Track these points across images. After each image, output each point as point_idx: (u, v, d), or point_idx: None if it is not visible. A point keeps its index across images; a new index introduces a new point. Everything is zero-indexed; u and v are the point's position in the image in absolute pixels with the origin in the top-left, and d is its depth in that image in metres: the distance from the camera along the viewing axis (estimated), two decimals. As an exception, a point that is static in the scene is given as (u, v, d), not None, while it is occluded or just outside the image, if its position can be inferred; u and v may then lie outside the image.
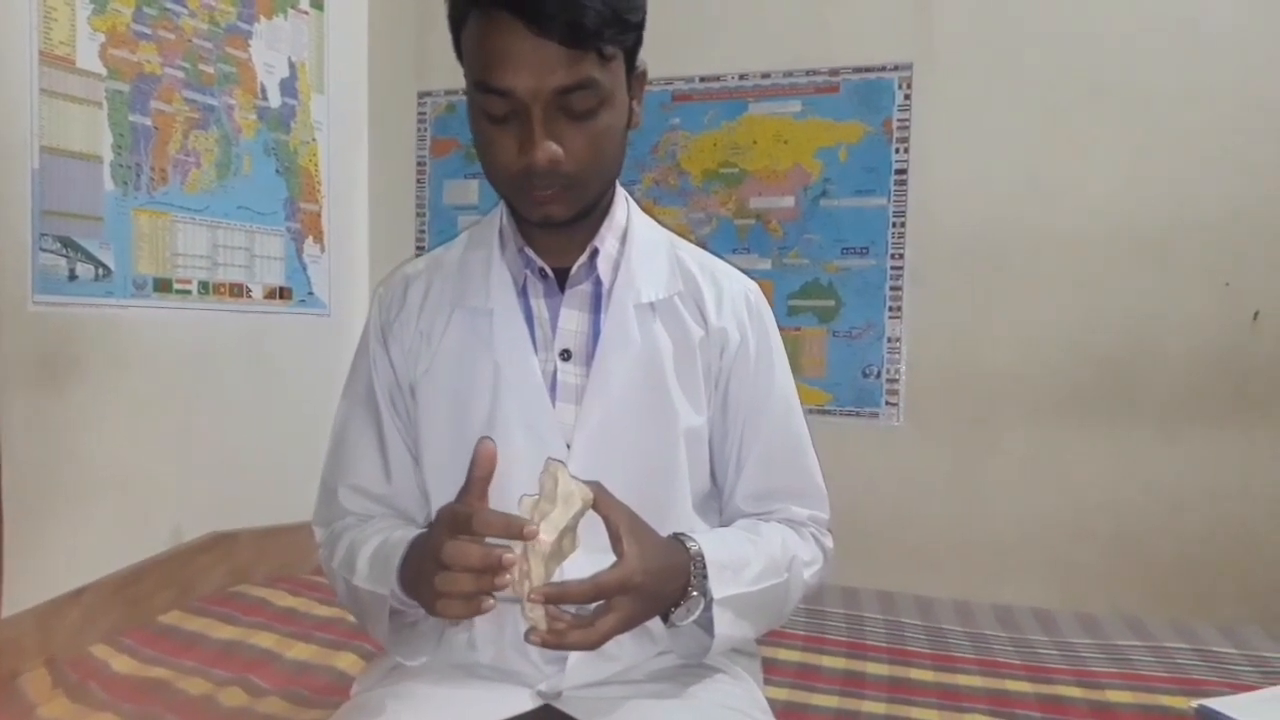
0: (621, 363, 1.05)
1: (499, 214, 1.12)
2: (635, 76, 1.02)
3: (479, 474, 0.90)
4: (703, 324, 1.10)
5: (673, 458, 1.08)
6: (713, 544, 1.01)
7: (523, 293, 1.08)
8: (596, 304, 1.08)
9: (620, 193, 1.12)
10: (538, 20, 0.89)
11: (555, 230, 1.03)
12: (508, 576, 0.85)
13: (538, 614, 0.87)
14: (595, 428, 1.04)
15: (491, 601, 0.86)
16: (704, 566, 0.98)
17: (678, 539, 1.00)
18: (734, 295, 1.14)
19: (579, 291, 1.08)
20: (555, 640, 0.88)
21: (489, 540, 0.88)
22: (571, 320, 1.07)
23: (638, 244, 1.10)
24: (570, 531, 0.89)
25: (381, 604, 1.00)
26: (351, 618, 1.16)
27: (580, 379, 1.06)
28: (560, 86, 0.92)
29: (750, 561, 1.04)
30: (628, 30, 0.96)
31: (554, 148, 0.94)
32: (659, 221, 1.18)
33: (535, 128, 0.93)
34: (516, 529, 0.85)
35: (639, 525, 0.95)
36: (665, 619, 0.99)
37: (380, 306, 1.15)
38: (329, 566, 1.13)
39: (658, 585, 0.95)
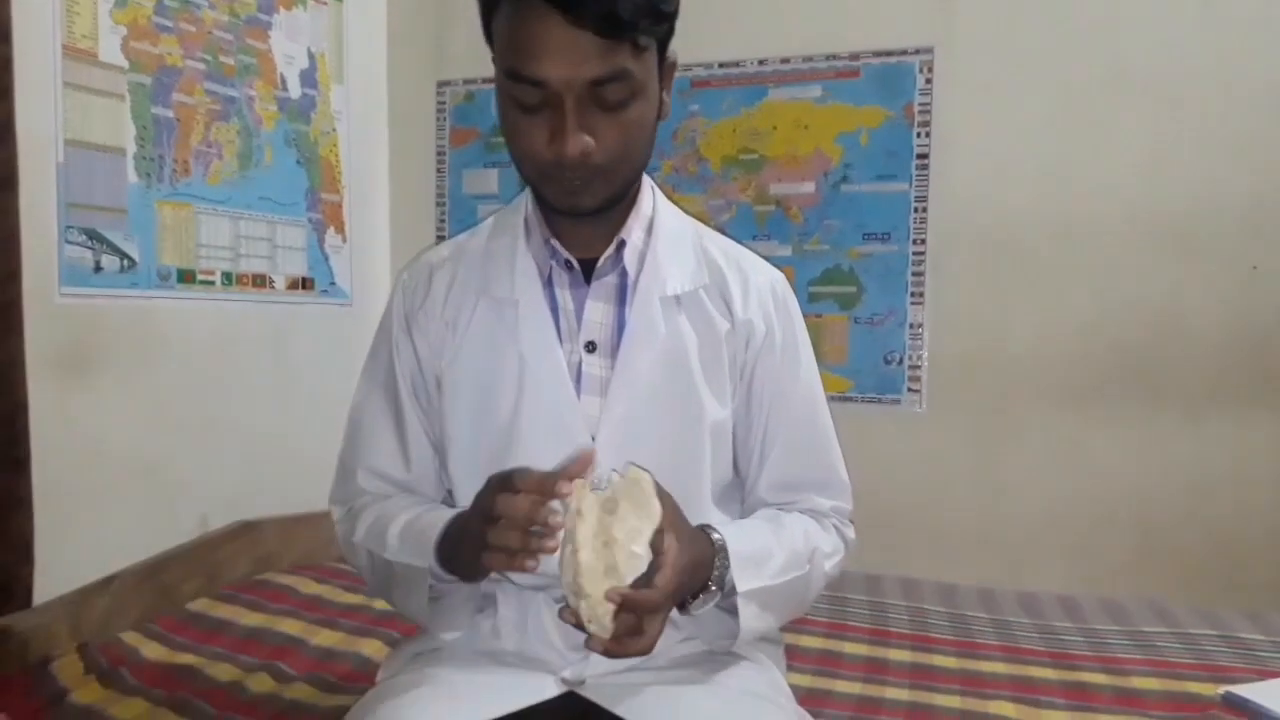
0: (646, 356, 1.05)
1: (524, 201, 1.12)
2: (666, 67, 1.02)
3: (572, 470, 0.90)
4: (729, 317, 1.10)
5: (697, 451, 1.08)
6: (736, 536, 1.02)
7: (548, 283, 1.08)
8: (622, 296, 1.08)
9: (646, 181, 1.12)
10: (573, 9, 0.88)
11: (582, 220, 1.03)
12: (550, 543, 0.86)
13: (596, 623, 0.87)
14: (620, 421, 1.04)
15: (534, 562, 0.87)
16: (727, 559, 0.99)
17: (703, 530, 1.00)
18: (760, 287, 1.13)
19: (605, 283, 1.08)
20: (619, 649, 0.89)
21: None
22: (597, 312, 1.07)
23: (664, 235, 1.10)
24: (625, 548, 0.88)
25: (420, 578, 1.02)
26: (380, 597, 1.17)
27: (605, 371, 1.06)
28: (594, 77, 0.91)
29: (773, 554, 1.04)
30: (662, 20, 0.95)
31: (586, 139, 0.94)
32: (681, 209, 1.18)
33: (568, 118, 0.92)
34: (550, 485, 0.87)
35: (679, 518, 0.95)
36: (682, 607, 0.99)
37: (404, 293, 1.15)
38: (349, 542, 1.15)
39: (690, 579, 0.96)
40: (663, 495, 0.92)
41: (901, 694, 1.54)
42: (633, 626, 0.89)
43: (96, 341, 1.83)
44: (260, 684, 1.54)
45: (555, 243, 1.07)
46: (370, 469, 1.16)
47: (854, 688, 1.57)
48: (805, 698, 1.39)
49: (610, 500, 0.89)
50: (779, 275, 1.18)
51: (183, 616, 1.81)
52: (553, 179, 0.98)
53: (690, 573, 0.94)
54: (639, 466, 0.92)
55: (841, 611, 1.93)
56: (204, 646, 1.68)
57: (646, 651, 0.90)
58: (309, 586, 1.98)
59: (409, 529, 1.06)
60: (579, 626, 0.89)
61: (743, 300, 1.11)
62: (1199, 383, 2.19)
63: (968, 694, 1.54)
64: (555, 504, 0.88)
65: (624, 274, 1.08)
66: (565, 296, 1.08)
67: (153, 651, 1.65)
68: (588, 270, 1.08)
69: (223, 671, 1.58)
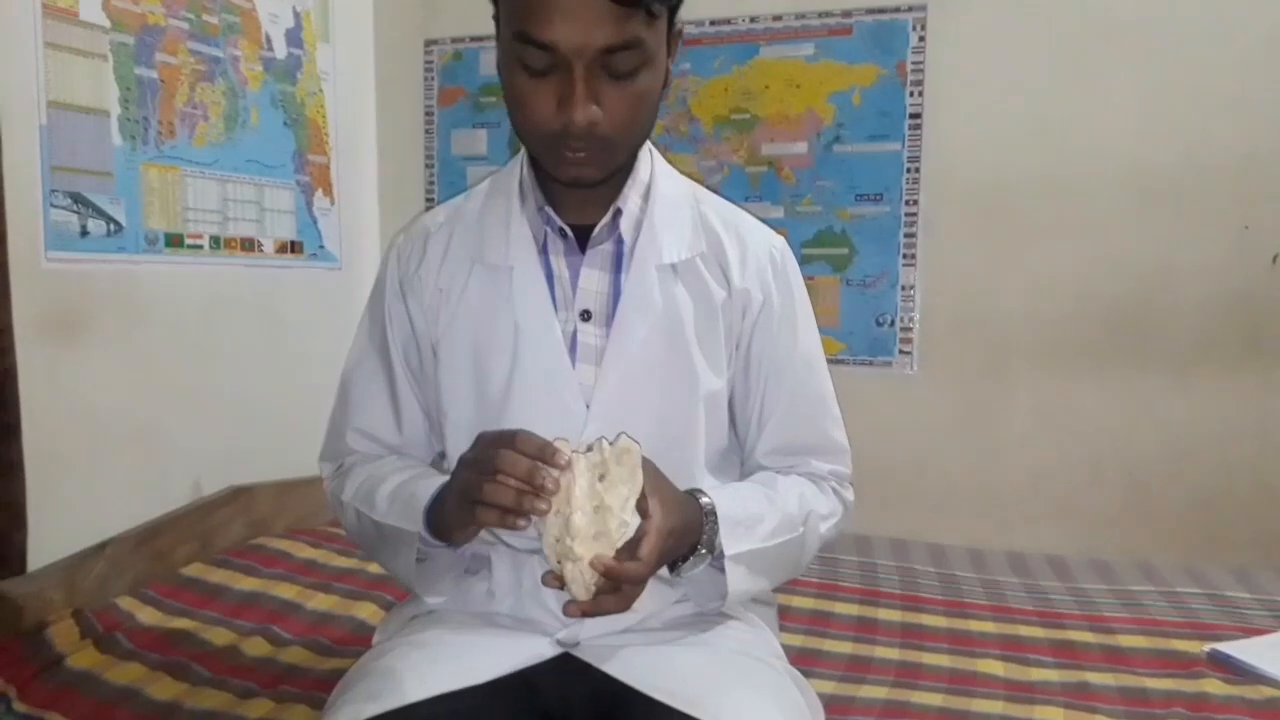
0: (642, 324, 1.04)
1: (519, 164, 1.10)
2: (674, 35, 1.00)
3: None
4: (725, 285, 1.09)
5: (691, 420, 1.08)
6: (726, 500, 1.02)
7: (543, 250, 1.07)
8: (618, 264, 1.07)
9: (645, 145, 1.10)
10: None
11: (580, 189, 1.02)
12: (542, 505, 0.86)
13: (579, 585, 0.88)
14: (614, 389, 1.04)
15: (525, 522, 0.87)
16: (715, 522, 1.00)
17: (692, 494, 1.01)
18: (758, 253, 1.12)
19: (600, 251, 1.07)
20: (593, 608, 0.90)
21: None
22: (592, 280, 1.06)
23: (661, 201, 1.08)
24: (617, 515, 0.89)
25: (408, 541, 1.02)
26: (366, 557, 1.18)
27: (600, 340, 1.05)
28: (607, 45, 0.90)
29: (765, 517, 1.05)
30: None
31: (594, 109, 0.92)
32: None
33: (577, 86, 0.91)
34: (550, 453, 0.87)
35: (662, 482, 0.95)
36: (673, 568, 1.00)
37: (399, 258, 1.14)
38: (337, 499, 1.15)
39: (678, 543, 0.96)
40: (646, 464, 0.92)
41: (892, 653, 1.57)
42: (612, 587, 0.90)
43: (84, 306, 1.81)
44: (256, 648, 1.55)
45: (550, 210, 1.06)
46: (360, 430, 1.16)
47: (844, 647, 1.59)
48: (797, 657, 1.41)
49: (601, 465, 0.89)
50: (779, 240, 1.16)
51: (177, 581, 1.81)
52: (556, 148, 0.96)
53: (678, 537, 0.95)
54: (629, 436, 0.92)
55: (832, 572, 1.95)
56: (199, 611, 1.69)
57: (623, 610, 0.91)
58: (303, 551, 1.99)
59: (399, 492, 1.06)
60: (561, 589, 0.90)
61: (740, 268, 1.10)
62: (1188, 342, 2.19)
63: (957, 653, 1.56)
64: (553, 519, 0.88)
65: (620, 241, 1.07)
66: (560, 264, 1.07)
67: (148, 616, 1.66)
68: (583, 237, 1.06)
69: (218, 635, 1.59)
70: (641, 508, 0.90)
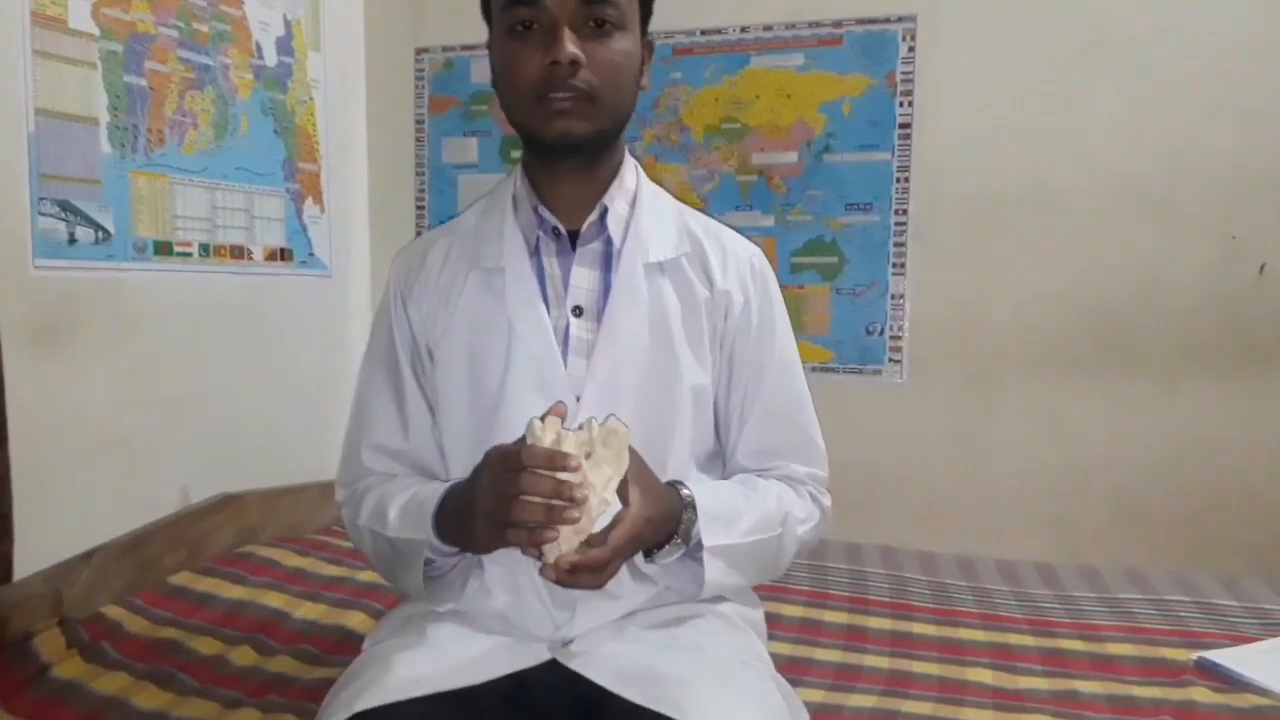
0: (630, 318, 1.09)
1: (513, 178, 1.16)
2: (645, 43, 1.10)
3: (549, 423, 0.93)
4: (708, 285, 1.15)
5: (676, 410, 1.12)
6: (706, 494, 1.07)
7: (535, 252, 1.12)
8: (607, 262, 1.12)
9: (630, 159, 1.17)
10: None
11: (566, 177, 1.09)
12: (575, 513, 0.89)
13: (553, 552, 0.91)
14: (604, 381, 1.08)
15: (554, 534, 0.89)
16: (695, 514, 1.04)
17: (673, 485, 1.05)
18: (738, 259, 1.18)
19: (590, 250, 1.12)
20: (570, 581, 0.92)
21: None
22: (583, 278, 1.11)
23: (646, 207, 1.15)
24: (599, 493, 0.92)
25: (416, 550, 1.05)
26: (387, 580, 1.21)
27: (592, 334, 1.10)
28: None
29: (743, 514, 1.09)
30: None
31: (577, 51, 1.00)
32: (663, 185, 1.23)
33: (561, 30, 1.00)
34: (561, 462, 0.89)
35: (644, 471, 0.99)
36: (648, 555, 1.04)
37: (400, 270, 1.20)
38: (354, 525, 1.18)
39: (655, 531, 1.00)
40: (631, 450, 0.95)
41: (881, 661, 1.56)
42: (588, 563, 0.93)
43: (72, 314, 1.80)
44: (243, 657, 1.54)
45: (543, 210, 1.11)
46: (373, 445, 1.19)
47: (834, 655, 1.59)
48: (786, 665, 1.40)
49: (588, 444, 0.92)
50: (757, 250, 1.22)
51: (165, 590, 1.80)
52: (542, 102, 1.02)
53: (655, 525, 0.99)
54: (618, 419, 0.95)
55: (822, 580, 1.95)
56: (186, 620, 1.68)
57: (597, 586, 0.94)
58: (292, 559, 1.98)
59: (408, 506, 1.09)
60: (539, 558, 0.92)
61: (722, 270, 1.16)
62: (1176, 351, 2.20)
63: (947, 661, 1.56)
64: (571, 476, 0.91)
65: (609, 241, 1.12)
66: (552, 263, 1.12)
67: (135, 625, 1.65)
68: (574, 240, 1.12)
69: (206, 645, 1.58)
70: (621, 493, 0.94)
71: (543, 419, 0.92)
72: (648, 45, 1.11)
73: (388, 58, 2.71)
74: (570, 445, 0.91)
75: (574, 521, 0.89)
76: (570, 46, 1.00)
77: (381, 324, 1.21)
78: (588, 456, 0.92)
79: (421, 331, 1.16)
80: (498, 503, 0.92)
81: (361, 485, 1.20)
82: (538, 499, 0.89)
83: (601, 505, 0.92)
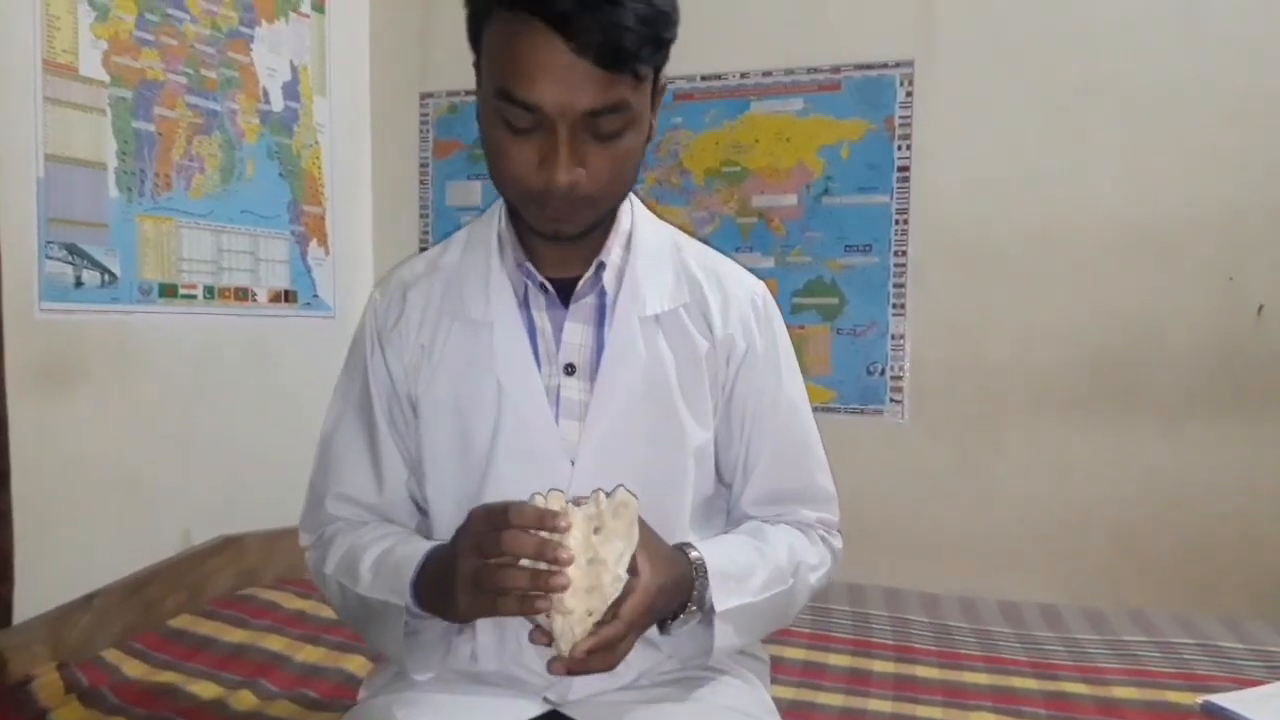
0: (626, 378, 1.03)
1: (496, 215, 1.09)
2: (658, 91, 0.99)
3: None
4: (709, 335, 1.08)
5: (678, 474, 1.07)
6: (716, 554, 1.00)
7: (524, 304, 1.05)
8: (601, 317, 1.06)
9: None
10: (576, 37, 0.85)
11: (560, 243, 1.01)
12: (561, 580, 0.83)
13: (567, 640, 0.86)
14: (599, 445, 1.02)
15: (546, 602, 0.84)
16: (705, 577, 0.98)
17: (680, 549, 0.99)
18: (740, 300, 1.11)
19: (583, 305, 1.05)
20: (579, 667, 0.87)
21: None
22: (576, 334, 1.05)
23: (642, 252, 1.07)
24: (611, 570, 0.87)
25: (395, 615, 0.99)
26: (353, 630, 1.14)
27: (584, 394, 1.04)
28: (592, 108, 0.88)
29: (755, 570, 1.03)
30: (661, 48, 0.92)
31: (578, 170, 0.91)
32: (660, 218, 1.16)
33: (560, 149, 0.89)
34: (551, 520, 0.85)
35: (652, 540, 0.93)
36: (661, 626, 0.98)
37: (376, 313, 1.12)
38: (320, 572, 1.11)
39: (668, 600, 0.94)
40: (641, 522, 0.91)
41: (884, 705, 1.55)
42: (598, 644, 0.87)
43: (77, 356, 1.82)
44: (242, 701, 1.53)
45: (529, 265, 1.04)
46: (340, 495, 1.12)
47: (837, 699, 1.57)
48: (789, 710, 1.39)
49: (597, 518, 0.88)
50: (760, 286, 1.15)
51: (165, 633, 1.80)
52: (536, 204, 0.95)
53: (668, 595, 0.93)
54: (628, 490, 0.90)
55: (825, 622, 1.94)
56: (186, 664, 1.68)
57: (609, 668, 0.89)
58: (292, 602, 1.98)
59: (382, 563, 1.02)
60: (549, 644, 0.87)
61: (722, 317, 1.09)
62: (1176, 392, 2.21)
63: (950, 705, 1.55)
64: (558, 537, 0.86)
65: (602, 294, 1.06)
66: (542, 318, 1.05)
67: (134, 669, 1.64)
68: (564, 290, 1.05)
69: (205, 689, 1.57)
70: (631, 567, 0.88)
71: (545, 494, 0.87)
72: (660, 91, 0.99)
73: (393, 102, 2.74)
74: (578, 519, 0.86)
75: (562, 588, 0.83)
76: (570, 170, 0.90)
77: (356, 365, 1.13)
78: (596, 531, 0.87)
79: (403, 382, 1.08)
80: (480, 564, 0.86)
81: (329, 530, 1.13)
82: (524, 561, 0.84)
83: (615, 581, 0.86)
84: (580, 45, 0.86)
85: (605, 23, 0.85)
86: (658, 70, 0.97)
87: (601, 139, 0.92)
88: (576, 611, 0.85)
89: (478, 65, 0.97)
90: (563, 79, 0.87)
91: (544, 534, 0.85)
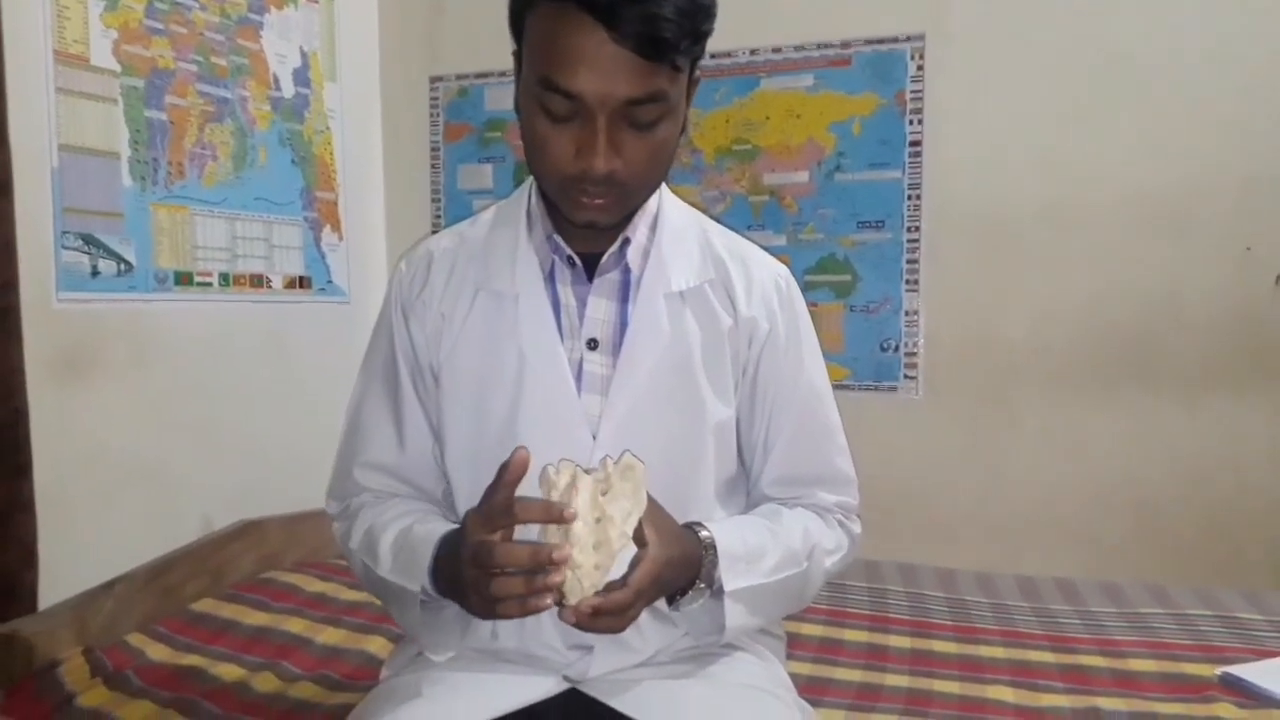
0: (649, 354, 1.04)
1: (527, 193, 1.11)
2: (693, 83, 1.01)
3: (509, 479, 0.88)
4: (732, 313, 1.09)
5: (699, 450, 1.07)
6: (727, 534, 1.01)
7: (549, 278, 1.07)
8: (625, 293, 1.07)
9: None
10: (618, 27, 0.87)
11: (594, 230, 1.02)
12: (558, 577, 0.85)
13: (576, 594, 0.87)
14: (622, 419, 1.03)
15: (548, 600, 0.85)
16: (715, 556, 0.99)
17: (691, 528, 1.00)
18: (764, 282, 1.12)
19: (608, 280, 1.07)
20: (590, 625, 0.88)
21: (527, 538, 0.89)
22: (600, 309, 1.06)
23: (668, 231, 1.09)
24: (618, 526, 0.89)
25: (412, 599, 1.01)
26: (376, 599, 1.17)
27: (607, 369, 1.05)
28: (631, 97, 0.91)
29: (767, 552, 1.04)
30: (699, 40, 0.95)
31: (615, 159, 0.93)
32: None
33: (599, 137, 0.92)
34: (556, 513, 0.86)
35: (659, 514, 0.95)
36: (670, 601, 1.00)
37: (401, 282, 1.14)
38: (346, 545, 1.14)
39: (675, 575, 0.95)
40: (651, 499, 0.92)
41: (901, 680, 1.56)
42: (610, 606, 0.89)
43: (95, 345, 1.83)
44: (265, 683, 1.55)
45: (558, 238, 1.06)
46: (367, 463, 1.15)
47: (854, 675, 1.58)
48: (806, 685, 1.40)
49: (605, 481, 0.89)
50: (783, 269, 1.17)
51: (187, 617, 1.82)
52: (572, 192, 0.97)
53: (675, 568, 0.94)
54: (634, 455, 0.91)
55: (841, 598, 1.95)
56: (209, 647, 1.70)
57: (618, 630, 0.90)
58: (313, 584, 2.00)
59: (401, 544, 1.04)
60: (558, 602, 0.88)
61: (746, 296, 1.10)
62: (1194, 365, 2.19)
63: (967, 679, 1.55)
64: (554, 529, 0.88)
65: (627, 270, 1.07)
66: (567, 292, 1.07)
67: (158, 653, 1.67)
68: (589, 265, 1.06)
69: (228, 672, 1.59)
70: (637, 536, 0.90)
71: (556, 465, 0.89)
72: (694, 82, 1.02)
73: (403, 86, 2.74)
74: (586, 485, 0.88)
75: (556, 587, 0.85)
76: (608, 159, 0.92)
77: (381, 334, 1.15)
78: (604, 493, 0.88)
79: (425, 350, 1.10)
80: (479, 575, 0.88)
81: (355, 502, 1.15)
82: (516, 571, 0.86)
83: (621, 536, 0.88)
84: (621, 35, 0.88)
85: (646, 14, 0.87)
86: (694, 63, 0.99)
87: (639, 128, 0.93)
88: (584, 565, 0.87)
89: (517, 54, 0.99)
90: (604, 68, 0.89)
91: (538, 534, 0.87)
